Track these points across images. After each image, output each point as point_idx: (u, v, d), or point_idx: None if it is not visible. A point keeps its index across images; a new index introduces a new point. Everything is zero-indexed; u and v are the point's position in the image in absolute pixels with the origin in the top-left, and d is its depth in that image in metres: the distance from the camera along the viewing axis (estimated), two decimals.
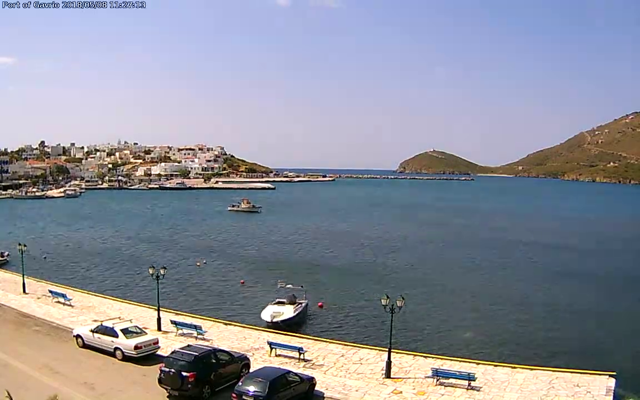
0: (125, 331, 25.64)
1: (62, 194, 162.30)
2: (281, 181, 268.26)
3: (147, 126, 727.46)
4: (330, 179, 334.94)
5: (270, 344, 26.88)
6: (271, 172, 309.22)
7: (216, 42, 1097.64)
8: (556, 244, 75.55)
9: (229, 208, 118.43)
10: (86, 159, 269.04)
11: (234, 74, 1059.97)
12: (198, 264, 56.15)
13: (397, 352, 26.41)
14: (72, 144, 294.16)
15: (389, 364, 23.80)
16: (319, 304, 40.23)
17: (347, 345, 28.54)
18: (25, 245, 39.60)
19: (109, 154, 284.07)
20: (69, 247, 67.51)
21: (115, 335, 25.45)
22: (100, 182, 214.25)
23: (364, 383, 23.06)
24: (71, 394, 20.71)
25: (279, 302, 35.78)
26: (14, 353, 25.45)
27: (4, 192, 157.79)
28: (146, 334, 26.59)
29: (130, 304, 37.00)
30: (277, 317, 32.89)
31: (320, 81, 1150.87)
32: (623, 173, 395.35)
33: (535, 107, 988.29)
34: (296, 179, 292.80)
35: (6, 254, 54.62)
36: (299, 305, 35.43)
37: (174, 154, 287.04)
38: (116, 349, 25.30)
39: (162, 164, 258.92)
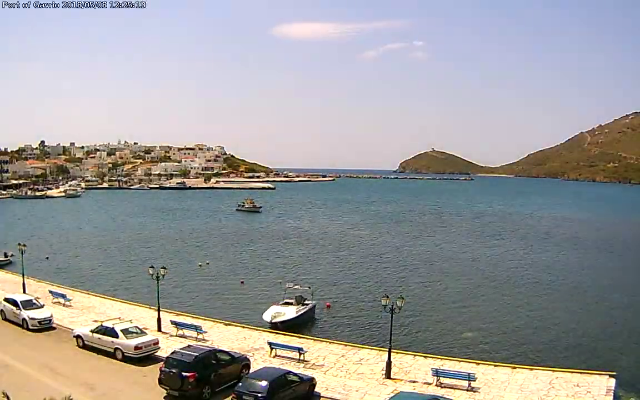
0: (126, 331, 25.66)
1: (63, 194, 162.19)
2: (281, 181, 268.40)
3: (147, 126, 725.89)
4: (330, 179, 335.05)
5: (270, 344, 26.90)
6: (271, 172, 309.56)
7: (216, 42, 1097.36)
8: (556, 245, 75.58)
9: (237, 208, 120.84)
10: (86, 158, 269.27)
11: (234, 74, 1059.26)
12: (200, 264, 56.10)
13: (397, 352, 26.43)
14: (72, 144, 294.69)
15: (389, 364, 23.83)
16: (327, 304, 40.23)
17: (347, 345, 28.53)
18: (25, 245, 39.55)
19: (109, 154, 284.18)
20: (70, 247, 67.51)
21: (116, 336, 25.46)
22: (100, 182, 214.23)
23: (364, 383, 23.06)
24: (71, 395, 20.68)
25: (286, 303, 35.44)
26: (14, 354, 25.46)
27: (4, 192, 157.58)
28: (146, 334, 26.58)
29: (130, 304, 37.01)
30: (277, 318, 32.74)
31: (319, 81, 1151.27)
32: (623, 173, 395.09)
33: (536, 107, 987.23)
34: (296, 179, 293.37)
35: (10, 254, 54.51)
36: (304, 307, 35.11)
37: (174, 154, 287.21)
38: (116, 349, 25.32)
39: (162, 163, 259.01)
